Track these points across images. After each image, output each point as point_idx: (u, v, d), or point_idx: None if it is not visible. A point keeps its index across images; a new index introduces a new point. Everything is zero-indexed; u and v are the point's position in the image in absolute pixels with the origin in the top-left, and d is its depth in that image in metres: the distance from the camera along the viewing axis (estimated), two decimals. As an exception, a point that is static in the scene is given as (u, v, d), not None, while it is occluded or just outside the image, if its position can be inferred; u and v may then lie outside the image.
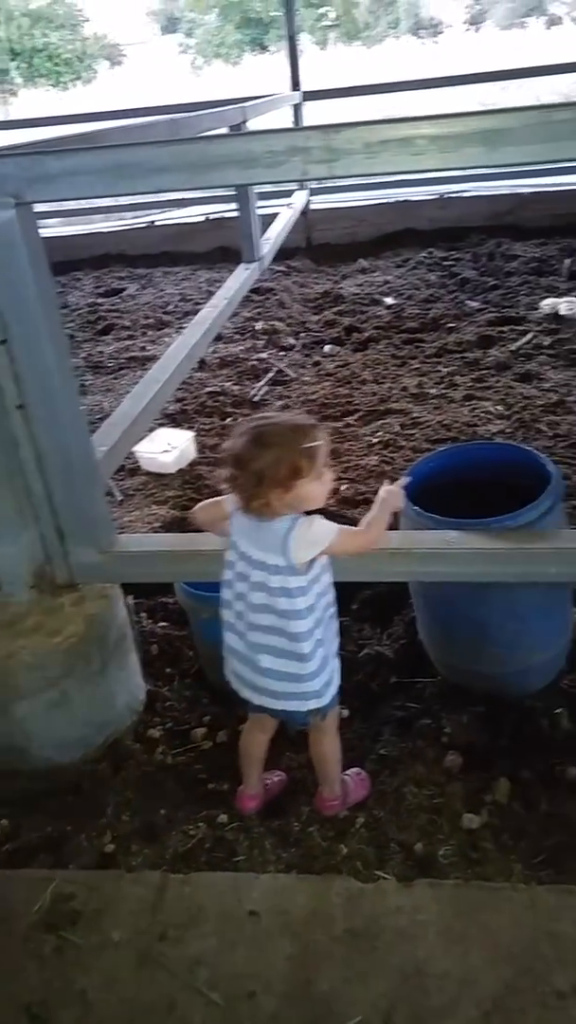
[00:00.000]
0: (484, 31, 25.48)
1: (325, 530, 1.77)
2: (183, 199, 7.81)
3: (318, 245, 7.38)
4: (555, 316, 5.11)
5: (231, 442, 1.74)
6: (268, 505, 1.72)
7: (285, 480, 1.68)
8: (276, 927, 1.84)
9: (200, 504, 1.99)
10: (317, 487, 1.74)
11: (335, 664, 1.95)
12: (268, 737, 2.11)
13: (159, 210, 8.07)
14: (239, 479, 1.71)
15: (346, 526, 1.83)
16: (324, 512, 1.82)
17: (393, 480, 1.99)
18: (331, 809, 2.09)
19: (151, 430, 3.93)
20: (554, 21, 24.21)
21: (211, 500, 1.94)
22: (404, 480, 2.02)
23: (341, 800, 2.09)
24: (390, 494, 1.93)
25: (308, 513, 1.78)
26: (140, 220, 8.07)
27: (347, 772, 2.15)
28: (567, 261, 6.09)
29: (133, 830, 2.11)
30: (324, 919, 1.84)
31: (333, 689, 1.95)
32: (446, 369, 4.62)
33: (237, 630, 1.90)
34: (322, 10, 28.83)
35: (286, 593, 1.79)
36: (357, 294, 6.03)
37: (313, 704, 1.90)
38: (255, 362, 4.96)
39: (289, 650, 1.83)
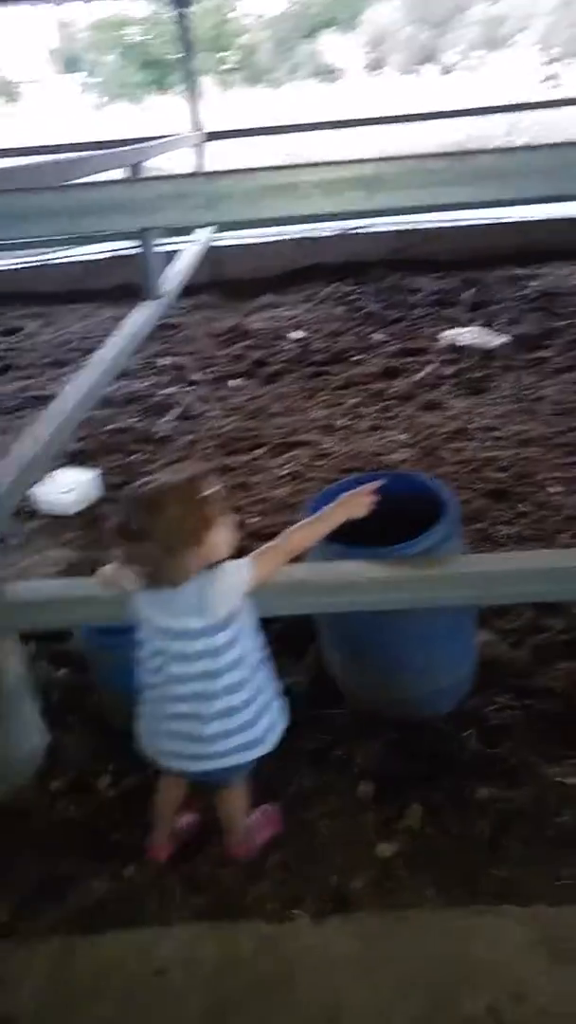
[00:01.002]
0: (382, 77, 26.24)
1: (240, 572, 1.71)
2: (85, 236, 7.72)
3: (226, 280, 7.40)
4: (456, 347, 5.22)
5: (118, 521, 1.64)
6: (183, 568, 1.63)
7: (198, 533, 1.61)
8: (186, 982, 1.77)
9: (98, 573, 1.88)
10: (225, 533, 1.68)
11: (276, 705, 1.89)
12: (183, 792, 2.03)
13: (61, 247, 7.96)
14: (142, 554, 1.62)
15: (257, 551, 1.77)
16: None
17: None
18: (243, 855, 2.03)
19: (51, 471, 3.84)
20: (447, 69, 25.13)
21: (109, 568, 1.83)
22: (376, 483, 1.90)
23: (248, 845, 2.03)
24: (352, 497, 1.85)
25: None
26: (40, 258, 7.95)
27: (254, 811, 2.10)
28: (467, 293, 6.26)
29: (34, 889, 2.01)
30: (236, 967, 1.79)
31: (275, 735, 1.88)
32: (352, 400, 4.67)
33: (162, 705, 1.81)
34: (222, 55, 29.30)
35: (211, 654, 1.72)
36: (264, 329, 6.06)
37: (257, 751, 1.84)
38: (160, 398, 4.93)
39: (217, 710, 1.75)
